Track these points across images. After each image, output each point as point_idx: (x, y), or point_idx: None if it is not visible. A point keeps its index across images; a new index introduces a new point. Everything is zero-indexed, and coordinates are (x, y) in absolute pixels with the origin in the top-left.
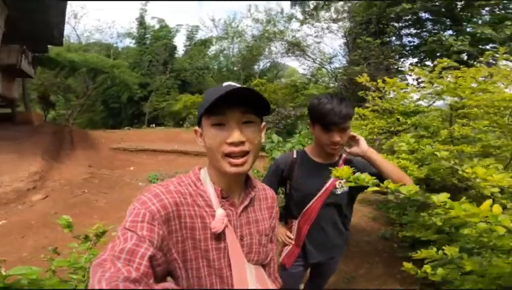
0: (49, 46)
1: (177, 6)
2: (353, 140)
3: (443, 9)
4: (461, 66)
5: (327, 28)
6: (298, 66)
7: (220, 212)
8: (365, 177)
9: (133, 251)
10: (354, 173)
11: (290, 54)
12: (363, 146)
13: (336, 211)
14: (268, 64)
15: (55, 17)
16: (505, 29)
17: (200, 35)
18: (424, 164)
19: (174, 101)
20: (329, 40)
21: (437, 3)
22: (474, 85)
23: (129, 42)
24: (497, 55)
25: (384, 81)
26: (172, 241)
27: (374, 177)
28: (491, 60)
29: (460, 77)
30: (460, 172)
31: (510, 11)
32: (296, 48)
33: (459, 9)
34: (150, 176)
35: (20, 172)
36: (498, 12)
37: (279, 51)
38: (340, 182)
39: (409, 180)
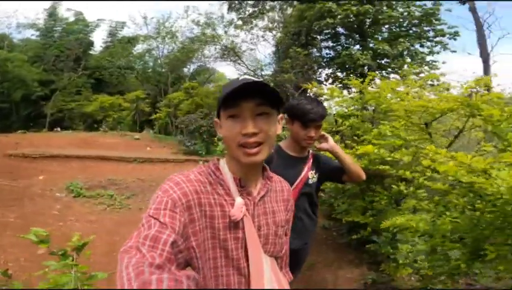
0: None
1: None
2: (322, 137)
3: (355, 26)
4: (362, 78)
5: (262, 36)
6: (230, 71)
7: (239, 200)
8: None
9: (156, 237)
10: (320, 166)
11: (225, 58)
12: (331, 142)
13: (307, 200)
14: (197, 68)
15: None
16: (399, 46)
17: (127, 32)
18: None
19: (86, 102)
20: (262, 48)
21: (352, 19)
22: (389, 95)
23: (31, 34)
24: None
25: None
26: (193, 231)
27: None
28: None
29: (378, 88)
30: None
31: (403, 28)
32: (231, 52)
33: (367, 26)
34: (71, 184)
35: None
36: (394, 30)
37: (212, 55)
38: (311, 173)
39: (362, 172)
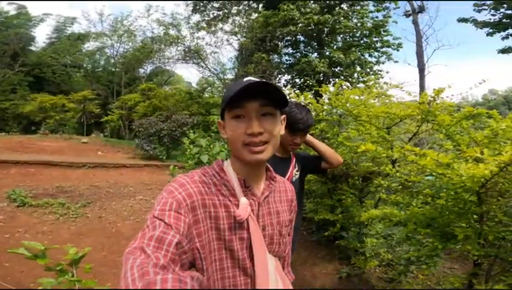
0: None
1: None
2: None
3: (315, 34)
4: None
5: (227, 40)
6: (186, 73)
7: (243, 200)
8: None
9: (161, 238)
10: (300, 161)
11: (187, 60)
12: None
13: None
14: (154, 69)
15: None
16: (351, 55)
17: (77, 28)
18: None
19: (23, 102)
20: (226, 52)
21: (312, 28)
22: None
23: None
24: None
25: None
26: (197, 232)
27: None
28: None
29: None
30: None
31: (356, 38)
32: (195, 55)
33: (325, 34)
34: (12, 193)
35: None
36: (348, 39)
37: (173, 56)
38: (295, 171)
39: (339, 156)
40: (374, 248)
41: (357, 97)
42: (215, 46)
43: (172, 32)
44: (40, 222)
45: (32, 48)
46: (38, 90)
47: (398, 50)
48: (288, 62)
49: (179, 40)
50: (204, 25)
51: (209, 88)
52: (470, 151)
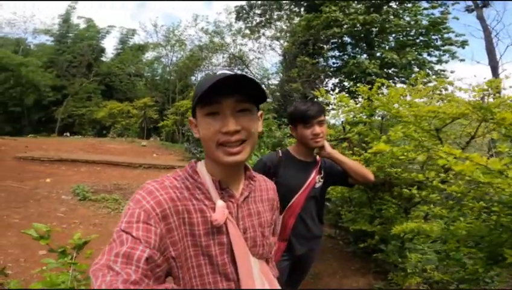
0: None
1: (115, 7)
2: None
3: (362, 35)
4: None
5: (269, 46)
6: None
7: (220, 203)
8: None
9: (129, 254)
10: (325, 171)
11: (232, 67)
12: (328, 149)
13: (314, 204)
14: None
15: None
16: (407, 55)
17: (137, 39)
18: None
19: (96, 108)
20: (269, 57)
21: (358, 29)
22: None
23: (45, 40)
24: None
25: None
26: (171, 240)
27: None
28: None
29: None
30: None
31: (410, 37)
32: (239, 61)
33: (374, 35)
34: (76, 188)
35: None
36: (401, 39)
37: (220, 63)
38: (319, 177)
39: (368, 172)
40: (418, 264)
41: (408, 97)
42: (259, 51)
43: (216, 40)
44: (95, 215)
45: (103, 59)
46: (109, 97)
47: (463, 47)
48: (335, 65)
49: (223, 48)
50: (248, 32)
51: None
52: None
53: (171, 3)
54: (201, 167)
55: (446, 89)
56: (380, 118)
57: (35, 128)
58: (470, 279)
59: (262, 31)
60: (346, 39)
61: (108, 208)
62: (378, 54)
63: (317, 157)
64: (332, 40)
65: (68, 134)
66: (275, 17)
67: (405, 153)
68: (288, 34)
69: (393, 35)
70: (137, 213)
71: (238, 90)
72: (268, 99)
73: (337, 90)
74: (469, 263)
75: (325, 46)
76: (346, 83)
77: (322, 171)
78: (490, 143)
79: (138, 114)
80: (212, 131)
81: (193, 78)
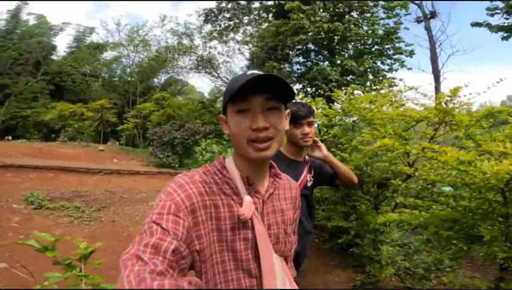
0: None
1: (72, 5)
2: (315, 145)
3: (325, 42)
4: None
5: (238, 50)
6: (198, 83)
7: (247, 199)
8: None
9: (157, 245)
10: (314, 171)
11: (200, 70)
12: (324, 151)
13: (305, 202)
14: (168, 79)
15: None
16: (364, 63)
17: (95, 38)
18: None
19: (44, 110)
20: (238, 61)
21: (322, 36)
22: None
23: None
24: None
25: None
26: (197, 234)
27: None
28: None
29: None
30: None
31: (367, 46)
32: (208, 64)
33: (335, 42)
34: (30, 196)
35: None
36: (359, 47)
37: (187, 66)
38: (309, 176)
39: (354, 176)
40: (390, 256)
41: (370, 104)
42: (227, 55)
43: (185, 41)
44: (55, 224)
45: (54, 57)
46: (58, 98)
47: (411, 56)
48: (299, 71)
49: (192, 50)
50: (216, 35)
51: (221, 97)
52: (493, 146)
53: (136, 2)
54: (229, 162)
55: (396, 96)
56: (352, 121)
57: None
58: (454, 258)
59: (231, 35)
60: (311, 46)
61: (70, 216)
62: (338, 62)
63: (307, 157)
64: (297, 47)
65: (10, 137)
66: (244, 21)
67: (401, 148)
68: (256, 39)
69: (353, 43)
70: (168, 205)
71: (267, 89)
72: None
73: (300, 95)
74: (452, 244)
75: (291, 52)
76: (309, 89)
77: (312, 170)
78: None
79: (94, 117)
80: (243, 128)
81: (156, 80)
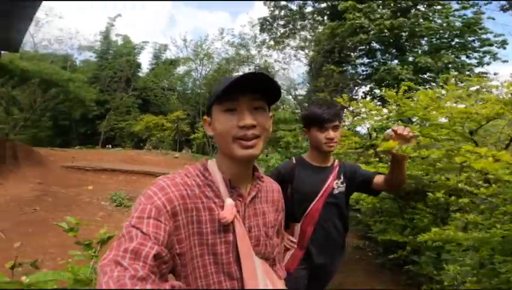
0: (2, 52)
1: (147, 24)
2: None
3: (391, 40)
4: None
5: (295, 56)
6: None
7: (229, 202)
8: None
9: (137, 250)
10: (345, 176)
11: None
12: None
13: (334, 211)
14: None
15: (22, 21)
16: (442, 58)
17: (169, 54)
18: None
19: (134, 122)
20: (295, 68)
21: (386, 34)
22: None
23: (89, 56)
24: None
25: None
26: (178, 238)
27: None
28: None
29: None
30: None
31: (444, 40)
32: (265, 72)
33: (404, 39)
34: (114, 195)
35: None
36: (435, 42)
37: None
38: (337, 182)
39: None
40: (458, 277)
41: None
42: (284, 62)
43: (242, 52)
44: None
45: (140, 74)
46: (145, 111)
47: (504, 48)
48: (364, 72)
49: (249, 60)
50: (272, 43)
51: (282, 105)
52: None
53: (199, 18)
54: (212, 165)
55: (491, 92)
56: (408, 123)
57: (81, 140)
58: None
59: (286, 41)
60: (375, 45)
61: None
62: (410, 59)
63: (336, 161)
64: (360, 47)
65: (110, 146)
66: (299, 27)
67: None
68: (313, 44)
69: (426, 38)
70: (149, 209)
71: (254, 89)
72: (296, 110)
73: (368, 98)
74: (502, 271)
75: (352, 53)
76: (377, 90)
77: (341, 176)
78: None
79: (171, 127)
80: (229, 125)
81: None
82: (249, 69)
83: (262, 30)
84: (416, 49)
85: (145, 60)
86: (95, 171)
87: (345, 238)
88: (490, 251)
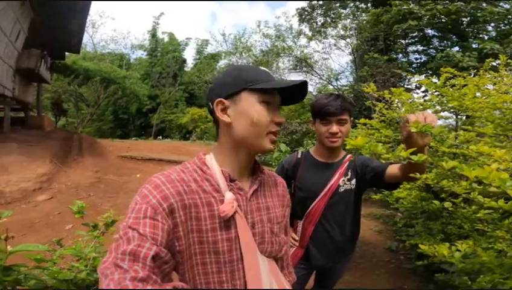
0: (66, 53)
1: (189, 20)
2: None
3: (449, 26)
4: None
5: (335, 45)
6: None
7: (229, 195)
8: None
9: (135, 252)
10: (356, 171)
11: (297, 70)
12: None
13: (341, 210)
14: None
15: (76, 24)
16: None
17: (210, 49)
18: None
19: (181, 114)
20: (336, 57)
21: (443, 20)
22: (478, 94)
23: (141, 54)
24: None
25: (391, 92)
26: (176, 235)
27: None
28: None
29: (465, 85)
30: (465, 150)
31: None
32: (303, 63)
33: (465, 25)
34: None
35: (27, 173)
36: (504, 27)
37: (286, 67)
38: (343, 180)
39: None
40: None
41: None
42: (324, 52)
43: (280, 43)
44: None
45: (186, 69)
46: (191, 104)
47: None
48: (418, 61)
49: (286, 51)
50: (310, 34)
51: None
52: None
53: (237, 13)
54: (210, 159)
55: None
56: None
57: (138, 132)
58: None
59: (326, 30)
60: (429, 32)
61: None
62: (474, 46)
63: (347, 156)
64: (411, 34)
65: (161, 137)
66: (341, 14)
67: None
68: (355, 32)
69: (493, 24)
70: (144, 209)
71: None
72: None
73: (423, 88)
74: None
75: (403, 40)
76: (435, 80)
77: (350, 173)
78: None
79: None
80: (268, 119)
81: None
82: (288, 60)
83: (301, 20)
84: (481, 36)
85: (189, 56)
86: (144, 160)
87: (355, 241)
88: (505, 273)
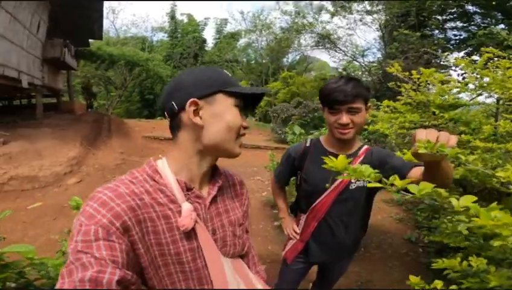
0: (90, 40)
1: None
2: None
3: (493, 2)
4: None
5: (360, 20)
6: (329, 58)
7: (186, 206)
8: (365, 171)
9: (96, 278)
10: (373, 167)
11: (320, 47)
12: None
13: (349, 208)
14: (297, 57)
15: (94, 12)
16: None
17: (229, 28)
18: (460, 163)
19: None
20: (361, 33)
21: None
22: None
23: (162, 36)
24: None
25: (420, 72)
26: (137, 253)
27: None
28: None
29: (510, 68)
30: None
31: None
32: (326, 40)
33: (511, 2)
34: None
35: (59, 157)
36: None
37: (308, 44)
38: None
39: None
40: None
41: None
42: (349, 28)
43: (300, 20)
44: None
45: (206, 49)
46: None
47: None
48: (457, 37)
49: (307, 27)
50: (337, 9)
51: (344, 72)
52: None
53: None
54: (162, 166)
55: None
56: (494, 102)
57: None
58: None
59: (352, 6)
60: (470, 8)
61: None
62: None
63: (364, 147)
64: (449, 10)
65: None
66: None
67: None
68: (383, 7)
69: None
70: (94, 230)
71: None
72: (364, 78)
73: (462, 65)
74: None
75: (439, 17)
76: (476, 57)
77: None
78: None
79: None
80: (239, 123)
81: (284, 60)
82: (311, 37)
83: None
84: None
85: (209, 36)
86: (167, 140)
87: (359, 239)
88: None
